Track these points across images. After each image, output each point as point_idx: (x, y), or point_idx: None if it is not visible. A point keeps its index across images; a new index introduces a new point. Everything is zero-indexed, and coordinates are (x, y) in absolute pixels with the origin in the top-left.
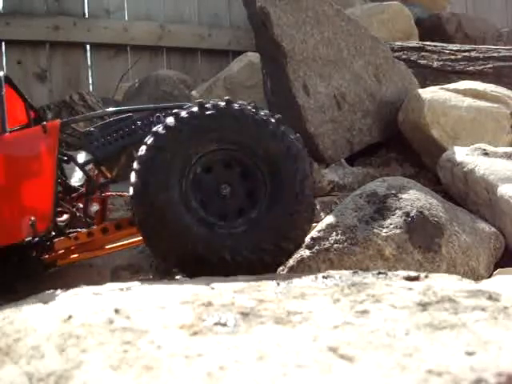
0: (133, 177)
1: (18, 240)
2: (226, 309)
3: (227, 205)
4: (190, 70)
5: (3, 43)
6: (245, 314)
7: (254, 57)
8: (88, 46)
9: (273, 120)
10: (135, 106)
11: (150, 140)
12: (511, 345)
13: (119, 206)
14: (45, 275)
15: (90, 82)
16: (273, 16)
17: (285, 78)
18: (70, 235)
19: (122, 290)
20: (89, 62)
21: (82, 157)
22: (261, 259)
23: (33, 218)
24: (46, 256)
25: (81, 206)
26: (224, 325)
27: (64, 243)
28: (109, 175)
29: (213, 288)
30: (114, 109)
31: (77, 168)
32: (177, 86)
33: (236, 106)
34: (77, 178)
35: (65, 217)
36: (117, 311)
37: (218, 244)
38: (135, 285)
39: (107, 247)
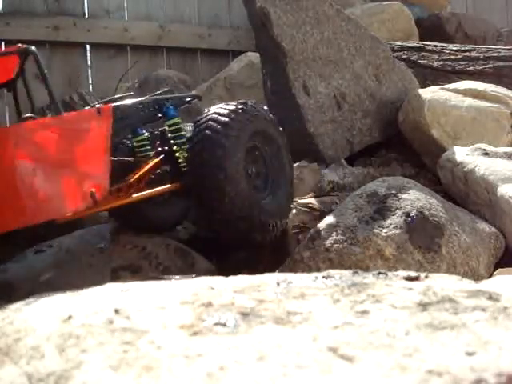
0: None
1: (80, 208)
2: (226, 309)
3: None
4: (190, 70)
5: (3, 43)
6: (245, 314)
7: (253, 57)
8: (88, 46)
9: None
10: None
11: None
12: (511, 345)
13: None
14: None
15: (90, 81)
16: (273, 16)
17: (285, 78)
18: None
19: (122, 290)
20: (89, 62)
21: None
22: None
23: (93, 190)
24: None
25: None
26: (224, 325)
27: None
28: None
29: (213, 288)
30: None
31: None
32: (177, 86)
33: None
34: None
35: None
36: (117, 311)
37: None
38: (135, 285)
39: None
